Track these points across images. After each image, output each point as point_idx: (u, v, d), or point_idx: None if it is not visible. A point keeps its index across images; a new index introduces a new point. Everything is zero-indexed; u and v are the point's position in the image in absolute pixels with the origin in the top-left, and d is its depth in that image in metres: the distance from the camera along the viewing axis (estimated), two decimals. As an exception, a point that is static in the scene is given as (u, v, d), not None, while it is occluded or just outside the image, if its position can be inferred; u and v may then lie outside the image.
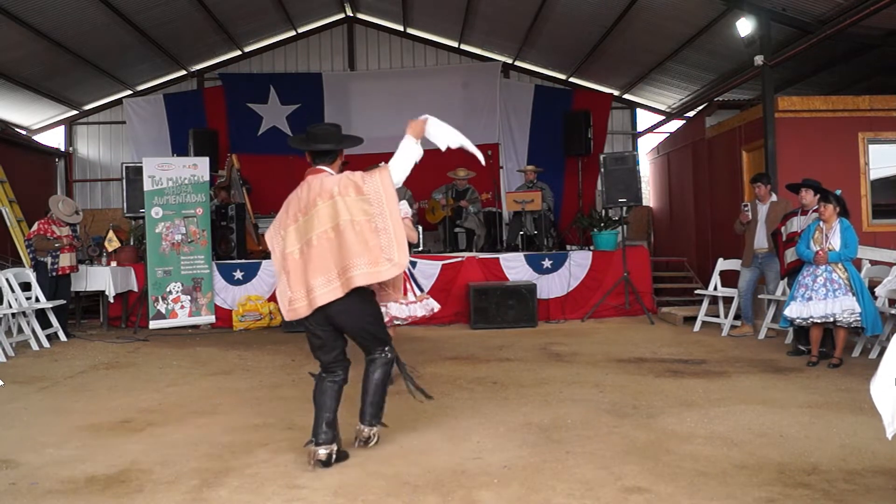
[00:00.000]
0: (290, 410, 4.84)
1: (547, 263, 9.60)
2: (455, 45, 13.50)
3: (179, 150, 11.69)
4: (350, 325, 3.76)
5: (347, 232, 3.59)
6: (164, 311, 8.93)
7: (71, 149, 13.44)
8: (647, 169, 14.01)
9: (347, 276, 3.59)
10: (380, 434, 3.94)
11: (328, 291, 3.62)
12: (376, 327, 3.88)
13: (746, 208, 7.80)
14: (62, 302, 8.28)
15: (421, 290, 5.68)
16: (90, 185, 13.51)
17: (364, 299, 3.78)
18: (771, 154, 8.66)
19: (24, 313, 7.65)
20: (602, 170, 9.85)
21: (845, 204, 6.27)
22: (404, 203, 5.64)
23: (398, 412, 4.56)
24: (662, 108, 13.81)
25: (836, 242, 6.08)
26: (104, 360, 7.04)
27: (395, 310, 5.41)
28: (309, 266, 3.65)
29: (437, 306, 5.77)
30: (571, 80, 13.58)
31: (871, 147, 8.92)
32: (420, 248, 9.70)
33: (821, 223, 6.23)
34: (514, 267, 9.56)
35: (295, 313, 3.70)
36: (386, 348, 3.87)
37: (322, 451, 3.62)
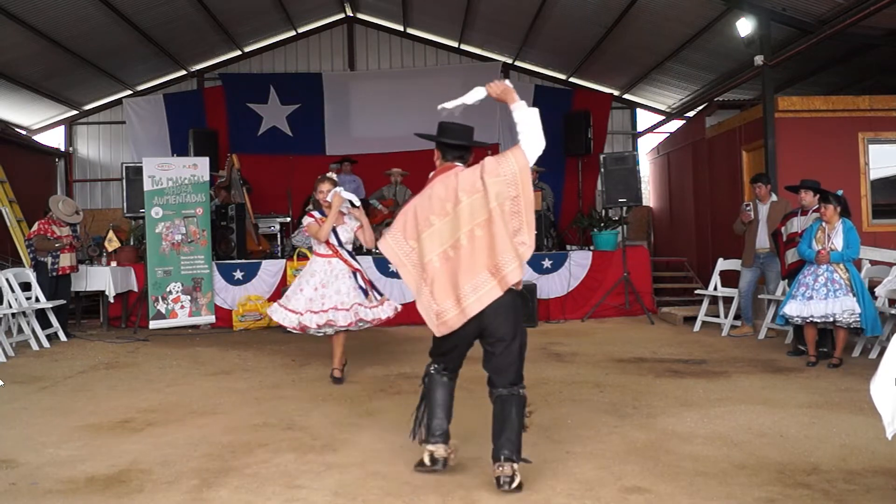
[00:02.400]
0: (290, 410, 4.84)
1: (547, 263, 9.59)
2: (455, 45, 13.50)
3: (179, 150, 11.67)
4: (504, 331, 3.33)
5: (497, 223, 3.26)
6: (164, 311, 8.93)
7: (71, 149, 13.43)
8: (647, 169, 14.01)
9: (502, 275, 3.25)
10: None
11: (483, 294, 3.27)
12: (523, 351, 3.43)
13: (748, 208, 7.79)
14: (62, 302, 8.27)
15: (380, 294, 5.92)
16: (90, 185, 13.50)
17: (518, 306, 3.43)
18: (771, 154, 8.66)
19: (24, 313, 7.64)
20: (602, 170, 9.86)
21: (847, 204, 6.26)
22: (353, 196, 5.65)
23: (398, 412, 4.55)
24: (662, 108, 13.81)
25: (838, 243, 6.07)
26: (104, 360, 7.04)
27: (361, 312, 5.59)
28: (459, 270, 3.30)
29: (399, 306, 6.00)
30: (571, 80, 13.58)
31: (871, 147, 8.92)
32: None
33: (823, 223, 6.23)
34: (515, 267, 9.56)
35: (446, 326, 3.34)
36: (521, 386, 3.38)
37: (441, 449, 3.48)
